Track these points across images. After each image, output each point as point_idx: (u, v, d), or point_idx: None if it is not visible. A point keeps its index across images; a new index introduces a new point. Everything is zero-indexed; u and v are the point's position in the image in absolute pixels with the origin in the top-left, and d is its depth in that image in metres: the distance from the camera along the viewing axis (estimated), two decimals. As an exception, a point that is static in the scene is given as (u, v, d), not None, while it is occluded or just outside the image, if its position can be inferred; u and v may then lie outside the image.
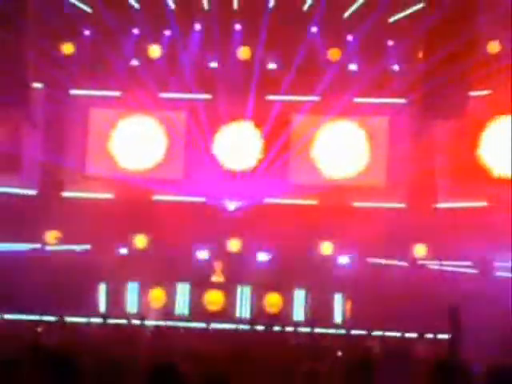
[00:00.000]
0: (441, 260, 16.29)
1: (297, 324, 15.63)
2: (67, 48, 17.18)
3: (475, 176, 16.42)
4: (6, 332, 12.83)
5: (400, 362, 5.96)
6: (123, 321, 15.23)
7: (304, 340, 13.74)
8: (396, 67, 17.28)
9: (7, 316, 14.82)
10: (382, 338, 14.17)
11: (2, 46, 14.37)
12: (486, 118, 16.21)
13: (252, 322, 15.01)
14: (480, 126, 16.08)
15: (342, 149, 17.66)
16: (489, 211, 15.93)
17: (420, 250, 16.61)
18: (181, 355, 8.61)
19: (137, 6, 16.78)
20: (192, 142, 17.80)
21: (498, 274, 15.60)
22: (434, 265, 16.32)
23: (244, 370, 6.83)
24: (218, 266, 16.71)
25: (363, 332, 14.68)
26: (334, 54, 16.97)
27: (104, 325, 14.96)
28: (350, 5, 16.58)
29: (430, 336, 14.05)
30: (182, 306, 16.47)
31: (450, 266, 16.00)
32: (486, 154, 16.34)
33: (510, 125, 16.03)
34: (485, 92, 15.85)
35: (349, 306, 16.16)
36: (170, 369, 4.39)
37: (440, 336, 13.47)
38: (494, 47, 15.84)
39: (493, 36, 15.90)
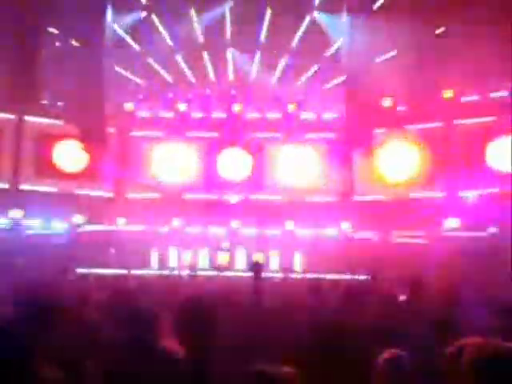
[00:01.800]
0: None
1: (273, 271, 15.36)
2: (129, 106, 17.50)
3: (377, 179, 16.50)
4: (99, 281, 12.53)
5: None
6: (167, 272, 15.11)
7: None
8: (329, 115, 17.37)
9: (98, 271, 14.33)
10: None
11: (93, 104, 14.16)
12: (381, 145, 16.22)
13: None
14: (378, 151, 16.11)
15: (298, 164, 17.73)
16: (388, 202, 15.91)
17: (344, 225, 16.26)
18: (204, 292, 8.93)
19: (170, 79, 16.97)
20: (207, 161, 18.00)
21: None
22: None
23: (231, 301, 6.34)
24: (225, 237, 16.95)
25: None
26: (291, 107, 17.22)
27: (156, 275, 14.60)
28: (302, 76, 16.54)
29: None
30: (203, 262, 16.65)
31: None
32: (382, 166, 16.49)
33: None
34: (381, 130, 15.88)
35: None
36: (198, 300, 4.15)
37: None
38: (388, 103, 15.76)
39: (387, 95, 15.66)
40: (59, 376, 2.39)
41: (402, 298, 5.47)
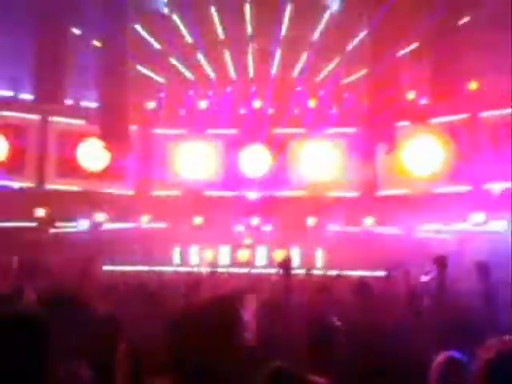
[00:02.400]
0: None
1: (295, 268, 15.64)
2: (150, 105, 17.66)
3: (401, 173, 16.25)
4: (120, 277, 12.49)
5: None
6: (189, 269, 15.18)
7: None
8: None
9: (122, 268, 14.66)
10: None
11: (115, 103, 14.18)
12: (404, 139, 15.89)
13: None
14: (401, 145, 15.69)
15: (320, 160, 17.69)
16: (409, 196, 15.61)
17: (369, 221, 16.23)
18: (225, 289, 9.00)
19: (191, 77, 17.06)
20: (228, 158, 18.00)
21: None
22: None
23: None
24: (246, 234, 16.98)
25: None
26: (312, 102, 17.18)
27: (177, 272, 14.89)
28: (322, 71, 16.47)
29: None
30: (224, 259, 16.65)
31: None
32: (406, 160, 16.22)
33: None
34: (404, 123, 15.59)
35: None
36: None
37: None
38: (410, 96, 15.82)
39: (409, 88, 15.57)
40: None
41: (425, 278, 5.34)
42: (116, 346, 3.33)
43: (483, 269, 4.90)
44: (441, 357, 2.81)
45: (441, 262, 5.09)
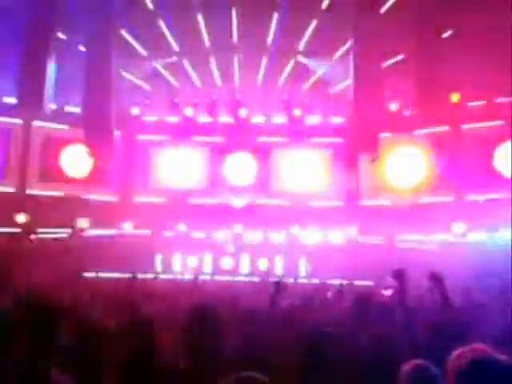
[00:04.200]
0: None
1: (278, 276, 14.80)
2: (135, 110, 17.34)
3: (384, 184, 16.40)
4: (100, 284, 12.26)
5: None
6: (171, 276, 14.98)
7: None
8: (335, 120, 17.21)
9: (102, 274, 14.34)
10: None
11: (99, 108, 14.05)
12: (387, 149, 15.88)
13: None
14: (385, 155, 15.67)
15: (304, 169, 17.68)
16: (392, 207, 15.97)
17: (350, 231, 15.78)
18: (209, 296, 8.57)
19: (177, 85, 17.00)
20: (213, 165, 17.87)
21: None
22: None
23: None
24: (229, 242, 16.51)
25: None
26: (297, 111, 17.08)
27: (160, 279, 14.30)
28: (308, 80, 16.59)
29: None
30: (207, 266, 16.21)
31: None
32: (389, 172, 16.30)
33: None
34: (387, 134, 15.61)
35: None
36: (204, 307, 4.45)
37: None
38: (394, 107, 15.90)
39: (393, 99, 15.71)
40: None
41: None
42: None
43: (436, 278, 4.77)
44: (408, 365, 2.73)
45: (398, 276, 4.80)
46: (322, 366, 3.34)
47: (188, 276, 14.51)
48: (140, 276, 14.09)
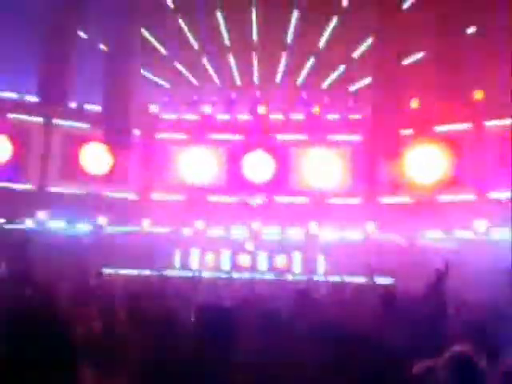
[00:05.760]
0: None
1: (296, 274, 15.45)
2: (154, 109, 17.56)
3: (404, 181, 16.12)
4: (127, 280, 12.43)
5: None
6: (190, 272, 15.24)
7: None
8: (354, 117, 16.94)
9: (124, 271, 14.59)
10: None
11: (119, 107, 14.05)
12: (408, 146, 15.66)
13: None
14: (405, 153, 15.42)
15: (322, 167, 17.48)
16: (412, 204, 15.78)
17: (370, 228, 15.77)
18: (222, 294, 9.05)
19: (196, 83, 16.87)
20: (232, 163, 17.72)
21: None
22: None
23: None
24: (247, 239, 16.59)
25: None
26: (316, 109, 16.98)
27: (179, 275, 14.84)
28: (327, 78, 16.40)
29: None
30: (225, 264, 16.28)
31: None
32: (409, 168, 16.03)
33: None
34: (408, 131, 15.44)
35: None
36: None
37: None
38: (415, 104, 15.71)
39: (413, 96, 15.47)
40: None
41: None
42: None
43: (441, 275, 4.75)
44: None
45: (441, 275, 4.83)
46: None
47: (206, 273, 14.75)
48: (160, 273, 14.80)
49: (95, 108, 16.27)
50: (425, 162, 15.80)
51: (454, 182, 15.31)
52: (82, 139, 16.94)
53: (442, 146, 15.59)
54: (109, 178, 17.04)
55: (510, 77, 11.89)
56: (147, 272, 14.88)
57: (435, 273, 4.94)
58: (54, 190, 16.68)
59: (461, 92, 13.22)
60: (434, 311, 4.67)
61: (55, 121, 16.91)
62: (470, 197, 14.96)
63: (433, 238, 14.69)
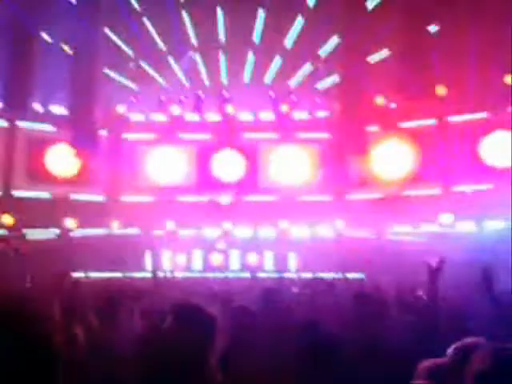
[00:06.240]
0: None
1: (268, 272, 14.98)
2: (120, 108, 17.22)
3: (371, 177, 16.33)
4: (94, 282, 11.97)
5: None
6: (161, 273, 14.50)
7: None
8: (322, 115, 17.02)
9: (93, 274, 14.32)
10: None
11: (85, 108, 14.14)
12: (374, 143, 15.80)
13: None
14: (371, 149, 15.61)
15: (292, 165, 17.51)
16: (380, 199, 15.85)
17: (338, 224, 15.72)
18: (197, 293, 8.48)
19: (164, 84, 16.84)
20: (201, 163, 17.62)
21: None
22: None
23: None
24: (219, 239, 16.52)
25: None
26: (284, 108, 16.93)
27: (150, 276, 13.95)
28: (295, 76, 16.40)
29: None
30: (197, 263, 16.27)
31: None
32: (375, 164, 16.17)
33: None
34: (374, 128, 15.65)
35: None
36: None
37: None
38: (380, 101, 15.66)
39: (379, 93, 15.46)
40: None
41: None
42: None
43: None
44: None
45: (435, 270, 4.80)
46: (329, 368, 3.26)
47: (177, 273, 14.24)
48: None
49: (60, 110, 15.97)
50: (391, 158, 16.01)
51: (419, 177, 15.59)
52: (47, 141, 16.59)
53: (408, 141, 15.83)
54: (76, 181, 16.67)
55: (474, 73, 12.17)
56: (118, 275, 14.54)
57: (427, 270, 4.76)
58: (19, 194, 16.24)
59: (425, 89, 13.51)
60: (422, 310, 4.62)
61: (19, 123, 16.44)
62: (435, 191, 15.24)
63: (401, 232, 14.89)
